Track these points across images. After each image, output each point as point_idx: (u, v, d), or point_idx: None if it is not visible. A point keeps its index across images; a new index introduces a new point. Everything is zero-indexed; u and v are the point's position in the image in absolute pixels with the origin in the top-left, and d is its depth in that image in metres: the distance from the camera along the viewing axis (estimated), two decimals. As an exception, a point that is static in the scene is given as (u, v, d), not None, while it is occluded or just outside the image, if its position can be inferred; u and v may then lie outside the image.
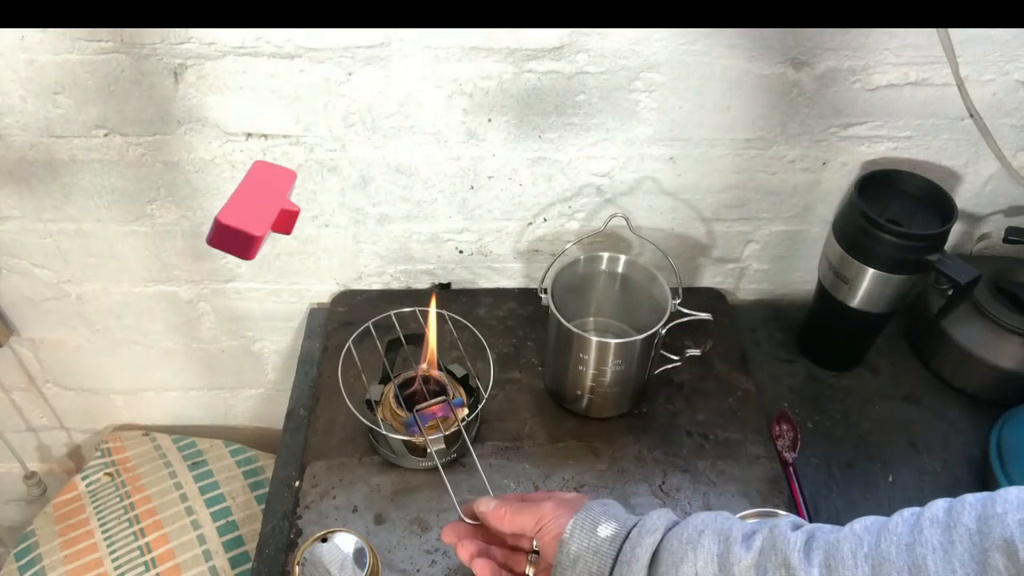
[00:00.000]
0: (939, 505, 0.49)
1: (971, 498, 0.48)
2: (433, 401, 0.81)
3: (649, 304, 0.90)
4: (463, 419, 0.81)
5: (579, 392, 0.90)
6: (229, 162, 0.92)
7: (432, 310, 0.83)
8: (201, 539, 1.05)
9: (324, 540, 0.69)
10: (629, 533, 0.57)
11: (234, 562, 1.03)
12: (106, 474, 1.17)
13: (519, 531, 0.62)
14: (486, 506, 0.64)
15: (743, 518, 0.81)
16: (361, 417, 0.84)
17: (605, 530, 0.58)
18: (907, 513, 0.50)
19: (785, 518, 0.57)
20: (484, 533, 0.66)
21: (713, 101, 0.88)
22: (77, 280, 1.06)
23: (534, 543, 0.62)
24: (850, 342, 1.00)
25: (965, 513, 0.47)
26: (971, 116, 0.89)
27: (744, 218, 1.02)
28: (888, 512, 0.51)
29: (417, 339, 0.92)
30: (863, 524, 0.51)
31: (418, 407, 0.81)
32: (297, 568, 0.67)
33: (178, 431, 1.26)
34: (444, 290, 1.10)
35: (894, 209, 0.86)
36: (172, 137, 0.89)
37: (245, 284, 1.08)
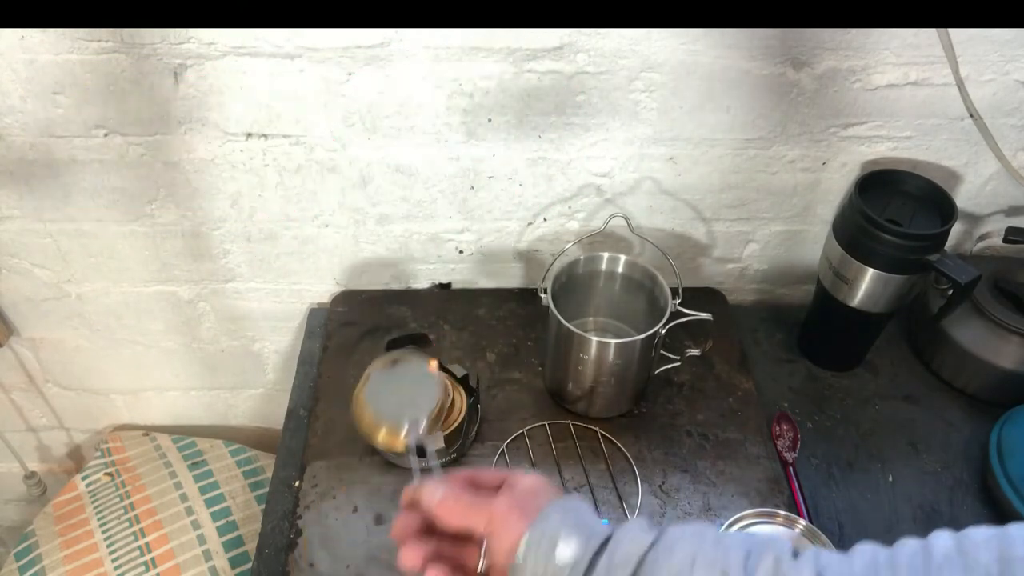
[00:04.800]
0: (944, 541, 0.45)
1: (978, 535, 0.44)
2: None
3: (649, 304, 0.90)
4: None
5: (579, 392, 0.90)
6: (229, 162, 0.91)
7: None
8: (201, 539, 1.05)
9: (394, 363, 0.68)
10: (595, 561, 0.48)
11: (234, 562, 1.03)
12: (106, 474, 1.17)
13: (468, 529, 0.52)
14: (431, 497, 0.53)
15: (742, 518, 0.81)
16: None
17: (565, 551, 0.48)
18: (911, 547, 0.46)
19: (780, 543, 0.49)
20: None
21: (713, 101, 0.88)
22: (77, 280, 1.06)
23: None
24: (850, 342, 1.00)
25: (981, 552, 0.43)
26: (971, 116, 0.89)
27: (744, 218, 1.02)
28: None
29: (417, 339, 0.92)
30: (864, 560, 0.46)
31: None
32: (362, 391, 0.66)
33: (178, 431, 1.26)
34: (444, 290, 1.10)
35: (894, 209, 0.86)
36: (172, 137, 0.89)
37: (245, 284, 1.08)
